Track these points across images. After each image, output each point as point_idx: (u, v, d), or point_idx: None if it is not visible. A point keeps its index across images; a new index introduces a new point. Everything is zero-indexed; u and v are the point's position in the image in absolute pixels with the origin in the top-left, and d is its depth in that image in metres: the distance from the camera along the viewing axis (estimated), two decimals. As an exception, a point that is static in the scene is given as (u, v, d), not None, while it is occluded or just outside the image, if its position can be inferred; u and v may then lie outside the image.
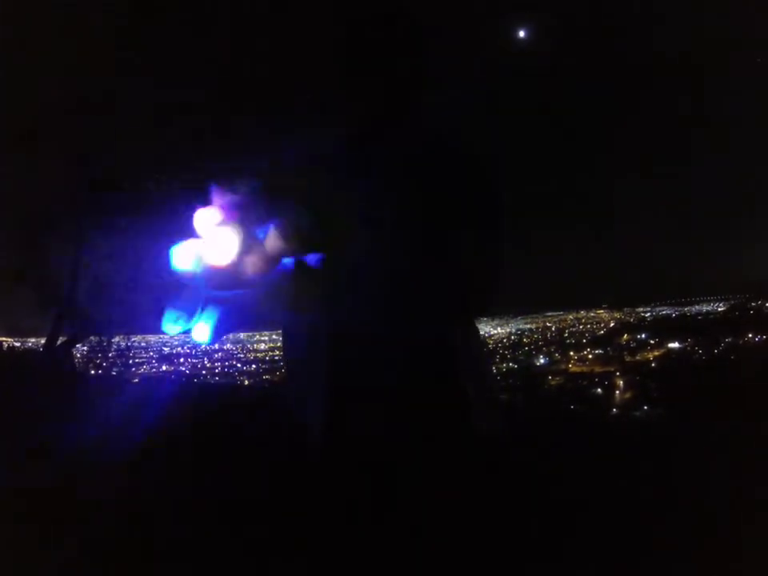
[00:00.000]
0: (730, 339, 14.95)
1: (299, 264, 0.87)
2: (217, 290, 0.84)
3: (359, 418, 1.05)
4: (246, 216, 0.83)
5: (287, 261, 0.87)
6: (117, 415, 3.56)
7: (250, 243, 0.82)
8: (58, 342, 7.44)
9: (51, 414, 3.94)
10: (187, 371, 22.42)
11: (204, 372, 22.48)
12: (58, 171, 7.23)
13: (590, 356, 18.40)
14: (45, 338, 7.52)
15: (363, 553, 1.06)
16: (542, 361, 18.93)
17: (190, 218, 0.84)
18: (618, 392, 14.78)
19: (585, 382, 16.26)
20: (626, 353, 17.87)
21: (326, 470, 1.10)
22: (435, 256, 1.03)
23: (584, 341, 19.51)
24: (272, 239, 0.84)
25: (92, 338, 7.95)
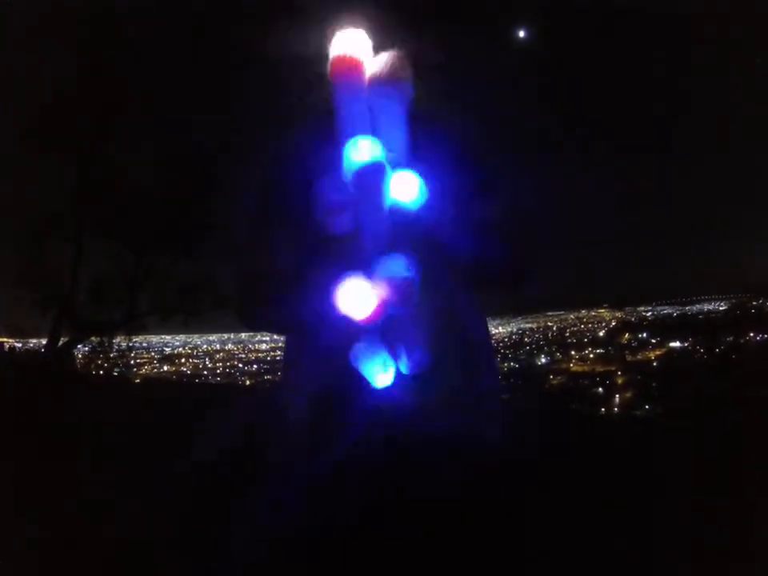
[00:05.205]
0: (731, 338, 14.92)
1: None
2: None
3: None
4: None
5: None
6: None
7: None
8: (59, 343, 7.45)
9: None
10: (188, 371, 22.45)
11: (206, 372, 22.49)
12: (58, 171, 7.24)
13: (592, 355, 18.37)
14: (46, 339, 7.52)
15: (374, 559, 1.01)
16: (543, 360, 18.92)
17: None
18: (619, 391, 14.77)
19: (586, 381, 16.24)
20: (627, 352, 17.85)
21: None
22: None
23: (585, 340, 19.49)
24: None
25: (93, 338, 7.96)
